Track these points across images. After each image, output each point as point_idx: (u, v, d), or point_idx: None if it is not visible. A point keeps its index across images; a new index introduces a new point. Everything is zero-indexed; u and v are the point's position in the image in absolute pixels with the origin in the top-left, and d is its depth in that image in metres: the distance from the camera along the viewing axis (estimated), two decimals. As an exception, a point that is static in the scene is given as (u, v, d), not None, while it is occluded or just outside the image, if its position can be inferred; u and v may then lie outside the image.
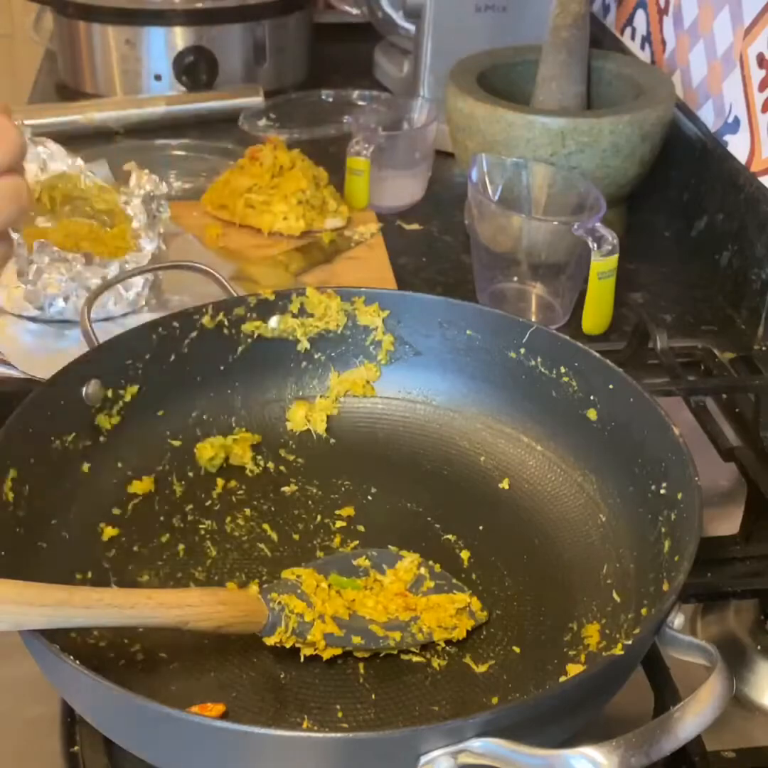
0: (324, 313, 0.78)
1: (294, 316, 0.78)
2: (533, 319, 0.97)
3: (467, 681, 0.60)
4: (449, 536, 0.70)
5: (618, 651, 0.53)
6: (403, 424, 0.78)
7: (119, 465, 0.71)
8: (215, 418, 0.76)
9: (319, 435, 0.78)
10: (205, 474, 0.74)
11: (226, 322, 0.76)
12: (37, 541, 0.63)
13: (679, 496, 0.61)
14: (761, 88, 1.00)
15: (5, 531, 0.60)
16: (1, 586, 0.50)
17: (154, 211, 0.92)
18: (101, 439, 0.71)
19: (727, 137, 1.06)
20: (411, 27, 1.35)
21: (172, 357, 0.74)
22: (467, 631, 0.62)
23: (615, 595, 0.63)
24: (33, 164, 1.00)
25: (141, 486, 0.71)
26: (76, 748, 0.59)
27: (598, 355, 0.71)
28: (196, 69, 1.40)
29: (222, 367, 0.77)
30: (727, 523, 0.75)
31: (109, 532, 0.68)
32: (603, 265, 0.92)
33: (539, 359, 0.74)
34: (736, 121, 1.04)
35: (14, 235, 0.86)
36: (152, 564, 0.67)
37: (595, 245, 0.91)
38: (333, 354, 0.79)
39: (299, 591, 0.60)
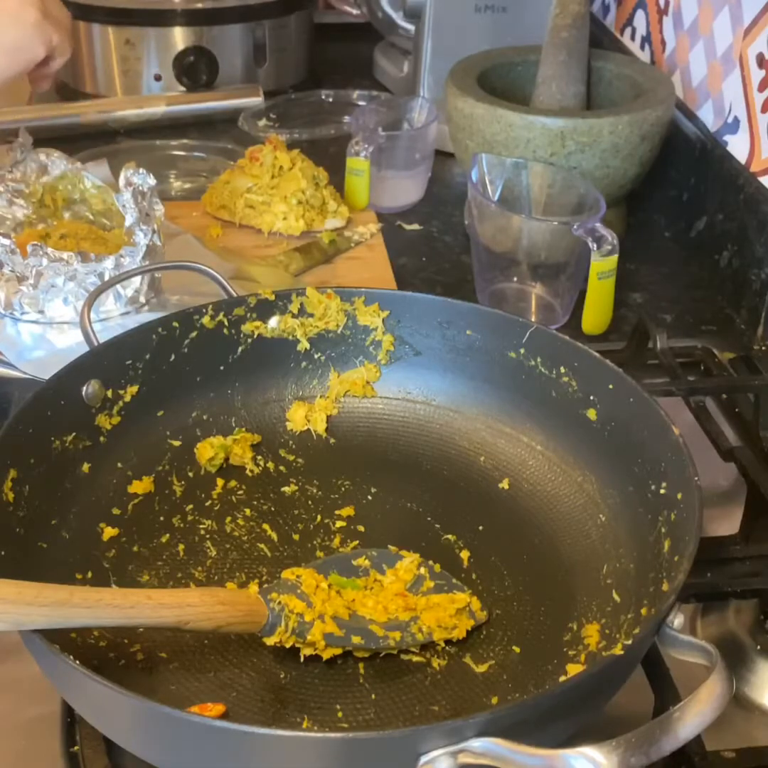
0: (324, 313, 0.78)
1: (294, 316, 0.78)
2: (533, 319, 0.97)
3: (467, 681, 0.60)
4: (449, 536, 0.70)
5: (618, 651, 0.53)
6: (403, 424, 0.78)
7: (119, 465, 0.71)
8: (215, 418, 0.76)
9: (319, 435, 0.78)
10: (205, 474, 0.74)
11: (226, 322, 0.76)
12: (37, 541, 0.63)
13: (679, 496, 0.61)
14: (761, 88, 1.00)
15: (5, 531, 0.60)
16: (1, 586, 0.50)
17: (146, 209, 0.92)
18: (101, 439, 0.71)
19: (727, 137, 1.06)
20: (411, 27, 1.35)
21: (172, 357, 0.74)
22: (467, 631, 0.62)
23: (615, 595, 0.63)
24: (34, 168, 1.01)
25: (141, 486, 0.71)
26: (76, 748, 0.59)
27: (598, 355, 0.71)
28: (196, 69, 1.40)
29: (222, 367, 0.77)
30: (727, 523, 0.75)
31: (109, 532, 0.68)
32: (603, 265, 0.92)
33: (539, 359, 0.74)
34: (736, 121, 1.04)
35: (6, 241, 0.87)
36: (152, 564, 0.67)
37: (595, 245, 0.91)
38: (333, 354, 0.79)
39: (299, 591, 0.60)
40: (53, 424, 0.67)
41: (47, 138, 1.17)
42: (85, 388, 0.69)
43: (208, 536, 0.69)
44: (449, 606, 0.62)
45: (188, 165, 1.27)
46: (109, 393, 0.71)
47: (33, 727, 0.61)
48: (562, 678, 0.58)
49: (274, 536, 0.70)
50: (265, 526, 0.70)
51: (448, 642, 0.62)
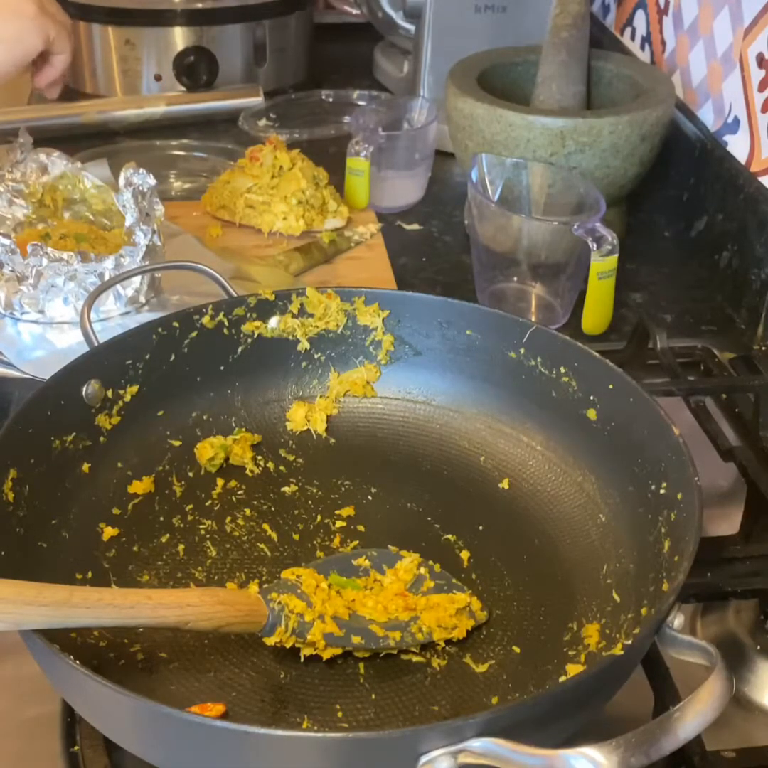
0: (324, 313, 0.78)
1: (294, 316, 0.78)
2: (533, 319, 0.97)
3: (467, 681, 0.60)
4: (449, 536, 0.70)
5: (618, 651, 0.53)
6: (403, 424, 0.78)
7: (119, 465, 0.71)
8: (215, 418, 0.76)
9: (319, 435, 0.78)
10: (205, 474, 0.74)
11: (226, 322, 0.76)
12: (37, 541, 0.63)
13: (679, 496, 0.61)
14: (761, 88, 1.00)
15: (5, 531, 0.60)
16: (1, 586, 0.50)
17: (146, 209, 0.92)
18: (101, 439, 0.71)
19: (727, 137, 1.07)
20: (411, 27, 1.35)
21: (172, 357, 0.74)
22: (467, 631, 0.62)
23: (615, 595, 0.63)
24: (34, 168, 1.01)
25: (141, 486, 0.71)
26: (76, 748, 0.59)
27: (598, 355, 0.71)
28: (196, 69, 1.40)
29: (222, 367, 0.77)
30: (727, 523, 0.75)
31: (109, 532, 0.68)
32: (603, 265, 0.92)
33: (539, 359, 0.74)
34: (736, 121, 1.04)
35: (6, 241, 0.87)
36: (152, 564, 0.67)
37: (595, 245, 0.91)
38: (333, 354, 0.79)
39: (299, 591, 0.60)
40: (53, 424, 0.67)
41: (47, 138, 1.17)
42: (85, 388, 0.69)
43: (208, 536, 0.69)
44: (449, 606, 0.62)
45: (188, 165, 1.27)
46: (109, 393, 0.71)
47: (33, 727, 0.61)
48: (562, 678, 0.58)
49: (274, 536, 0.70)
50: (265, 526, 0.70)
51: (448, 642, 0.62)
